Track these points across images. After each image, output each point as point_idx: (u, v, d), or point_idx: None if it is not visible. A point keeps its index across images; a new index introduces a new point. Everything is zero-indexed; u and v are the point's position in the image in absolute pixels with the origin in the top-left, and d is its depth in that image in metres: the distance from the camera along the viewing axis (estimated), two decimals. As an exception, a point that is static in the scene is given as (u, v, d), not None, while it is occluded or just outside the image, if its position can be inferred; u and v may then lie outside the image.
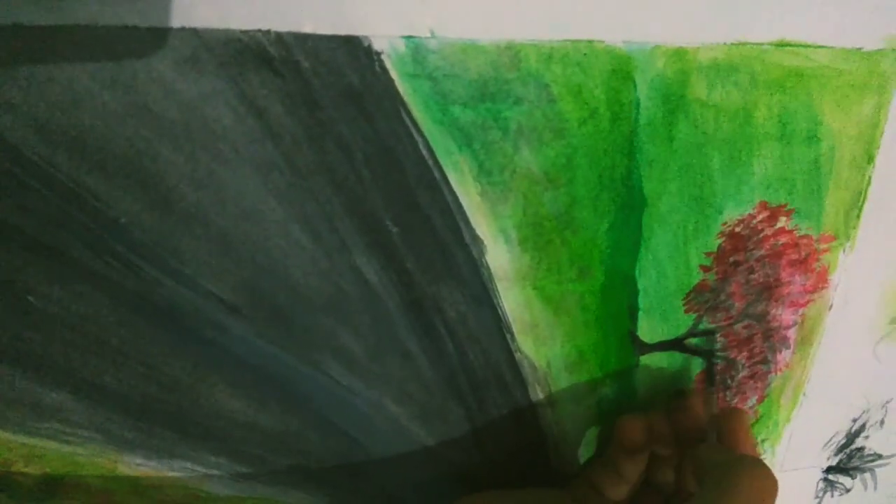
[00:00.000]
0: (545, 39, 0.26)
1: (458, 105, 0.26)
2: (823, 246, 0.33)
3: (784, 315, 0.35)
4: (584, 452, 0.36)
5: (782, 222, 0.32)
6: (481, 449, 0.34)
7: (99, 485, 0.30)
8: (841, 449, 0.42)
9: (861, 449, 0.42)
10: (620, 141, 0.28)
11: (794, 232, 0.32)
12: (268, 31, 0.23)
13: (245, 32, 0.23)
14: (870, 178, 0.32)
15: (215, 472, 0.31)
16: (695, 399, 0.33)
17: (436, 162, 0.27)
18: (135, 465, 0.30)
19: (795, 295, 0.34)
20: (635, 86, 0.27)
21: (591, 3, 0.26)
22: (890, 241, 0.35)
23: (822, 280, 0.34)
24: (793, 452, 0.41)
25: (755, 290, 0.33)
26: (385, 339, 0.30)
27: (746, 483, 0.26)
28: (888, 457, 0.43)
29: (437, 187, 0.27)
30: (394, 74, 0.25)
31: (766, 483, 0.26)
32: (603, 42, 0.26)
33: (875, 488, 0.44)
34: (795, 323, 0.35)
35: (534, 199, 0.29)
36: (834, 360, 0.38)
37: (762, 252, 0.32)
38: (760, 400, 0.37)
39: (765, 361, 0.36)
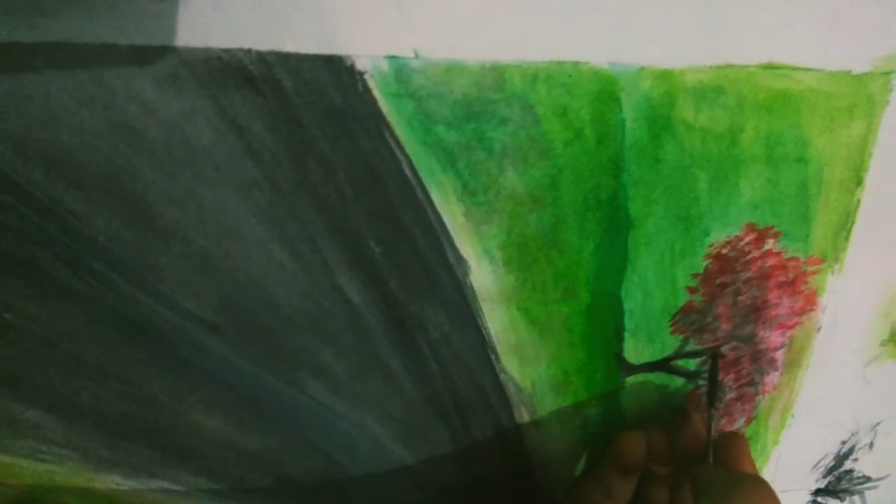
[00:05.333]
0: (530, 60, 0.26)
1: (442, 125, 0.26)
2: (811, 268, 0.33)
3: (772, 337, 0.34)
4: (572, 475, 0.36)
5: (770, 244, 0.32)
6: (466, 470, 0.34)
7: (76, 503, 0.29)
8: (830, 471, 0.41)
9: (850, 471, 0.42)
10: (606, 162, 0.28)
11: (782, 254, 0.32)
12: (248, 50, 0.23)
13: (226, 51, 0.23)
14: (858, 200, 0.32)
15: (194, 490, 0.30)
16: (697, 418, 0.32)
17: (419, 181, 0.27)
18: (113, 484, 0.29)
19: (783, 317, 0.34)
20: (621, 107, 0.27)
21: (576, 25, 0.25)
22: (879, 263, 0.35)
23: (810, 302, 0.34)
24: (781, 474, 0.40)
25: (742, 312, 0.33)
26: (367, 359, 0.30)
27: (747, 500, 0.25)
28: (877, 479, 0.43)
29: (421, 207, 0.27)
30: (377, 94, 0.25)
31: (768, 500, 0.25)
32: (588, 63, 0.26)
33: (865, 510, 0.44)
34: (783, 345, 0.35)
35: (519, 219, 0.28)
36: (823, 382, 0.37)
37: (749, 274, 0.32)
38: (748, 422, 0.37)
39: (752, 383, 0.35)
